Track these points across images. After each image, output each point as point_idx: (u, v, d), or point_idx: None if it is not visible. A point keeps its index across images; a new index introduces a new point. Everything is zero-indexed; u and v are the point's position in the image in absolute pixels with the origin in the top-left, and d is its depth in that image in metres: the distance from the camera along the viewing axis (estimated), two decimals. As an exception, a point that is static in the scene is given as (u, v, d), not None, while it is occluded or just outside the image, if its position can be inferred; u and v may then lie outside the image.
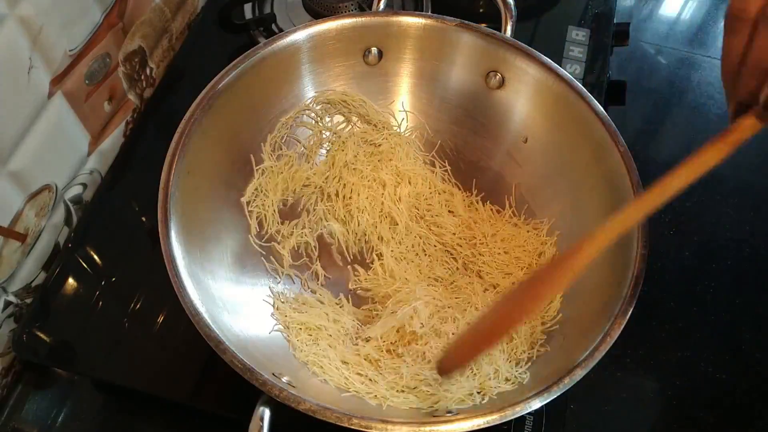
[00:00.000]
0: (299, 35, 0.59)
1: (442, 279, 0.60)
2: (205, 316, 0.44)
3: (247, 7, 0.78)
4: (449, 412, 0.45)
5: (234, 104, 0.57)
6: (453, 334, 0.53)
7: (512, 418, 0.42)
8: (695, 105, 0.88)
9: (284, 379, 0.45)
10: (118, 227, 0.65)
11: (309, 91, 0.64)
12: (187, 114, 0.53)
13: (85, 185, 0.67)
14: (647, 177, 0.78)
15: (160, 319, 0.59)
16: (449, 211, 0.64)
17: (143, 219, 0.66)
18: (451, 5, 0.81)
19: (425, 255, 0.61)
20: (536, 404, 0.43)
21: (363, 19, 0.61)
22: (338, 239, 0.61)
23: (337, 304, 0.58)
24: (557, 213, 0.61)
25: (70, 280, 0.62)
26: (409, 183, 0.64)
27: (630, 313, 0.47)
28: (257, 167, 0.61)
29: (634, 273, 0.49)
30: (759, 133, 0.83)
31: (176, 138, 0.52)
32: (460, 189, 0.65)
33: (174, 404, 0.57)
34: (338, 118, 0.66)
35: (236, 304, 0.53)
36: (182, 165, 0.51)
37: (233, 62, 0.56)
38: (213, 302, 0.48)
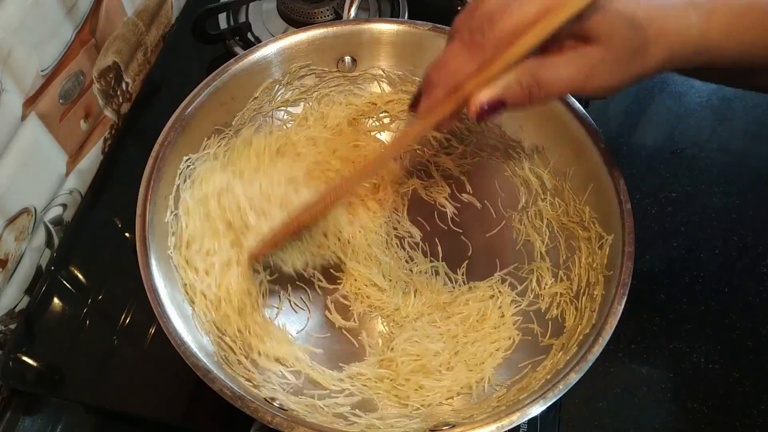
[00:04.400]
0: (270, 49, 0.59)
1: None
2: (191, 345, 0.44)
3: (222, 17, 0.77)
4: (446, 425, 0.45)
5: (207, 122, 0.57)
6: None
7: (510, 427, 0.42)
8: (676, 94, 0.88)
9: (276, 403, 0.44)
10: (101, 245, 0.65)
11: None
12: (160, 137, 0.52)
13: (65, 206, 0.66)
14: (631, 168, 0.78)
15: (151, 332, 0.59)
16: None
17: (126, 235, 0.65)
18: (428, 4, 0.81)
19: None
20: (533, 412, 0.43)
21: (334, 28, 0.61)
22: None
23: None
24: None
25: (55, 302, 0.61)
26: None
27: (620, 312, 0.47)
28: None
29: (622, 271, 0.49)
30: (744, 119, 0.84)
31: (150, 163, 0.51)
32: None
33: (167, 426, 0.56)
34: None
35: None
36: (158, 189, 0.50)
37: (204, 81, 0.55)
38: (197, 328, 0.47)
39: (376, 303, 0.57)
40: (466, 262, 0.61)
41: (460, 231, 0.63)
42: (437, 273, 0.60)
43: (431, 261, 0.61)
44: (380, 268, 0.58)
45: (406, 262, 0.61)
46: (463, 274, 0.60)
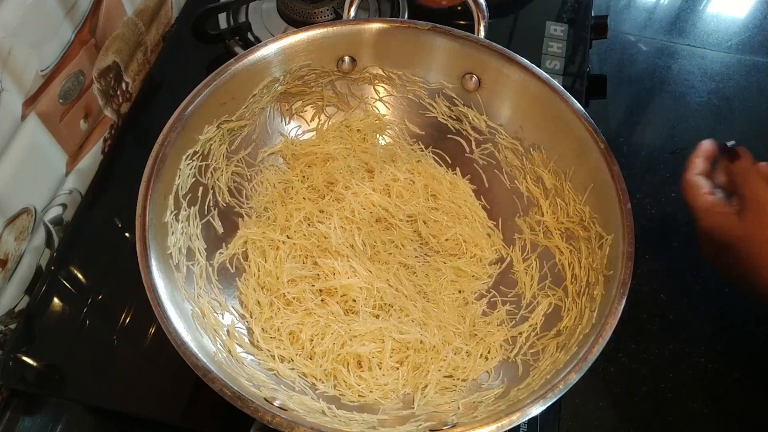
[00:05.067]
0: (270, 49, 0.59)
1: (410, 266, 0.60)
2: (191, 345, 0.44)
3: (222, 17, 0.77)
4: (446, 425, 0.45)
5: (207, 122, 0.57)
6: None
7: (510, 427, 0.42)
8: (676, 94, 0.88)
9: (276, 402, 0.44)
10: (101, 245, 0.65)
11: (283, 104, 0.64)
12: (160, 137, 0.52)
13: (64, 206, 0.66)
14: (631, 168, 0.78)
15: (150, 332, 0.59)
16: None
17: (126, 235, 0.65)
18: (428, 4, 0.81)
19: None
20: (533, 412, 0.43)
21: (334, 28, 0.61)
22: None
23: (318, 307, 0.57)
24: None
25: (55, 302, 0.61)
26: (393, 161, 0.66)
27: (620, 312, 0.47)
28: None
29: (622, 271, 0.49)
30: (744, 119, 0.84)
31: (150, 163, 0.51)
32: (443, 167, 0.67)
33: (167, 426, 0.56)
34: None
35: (221, 326, 0.52)
36: (158, 189, 0.50)
37: (204, 81, 0.55)
38: (196, 328, 0.47)
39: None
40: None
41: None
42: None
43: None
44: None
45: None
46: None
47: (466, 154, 0.66)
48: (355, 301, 0.56)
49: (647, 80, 0.90)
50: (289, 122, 0.65)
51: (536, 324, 0.55)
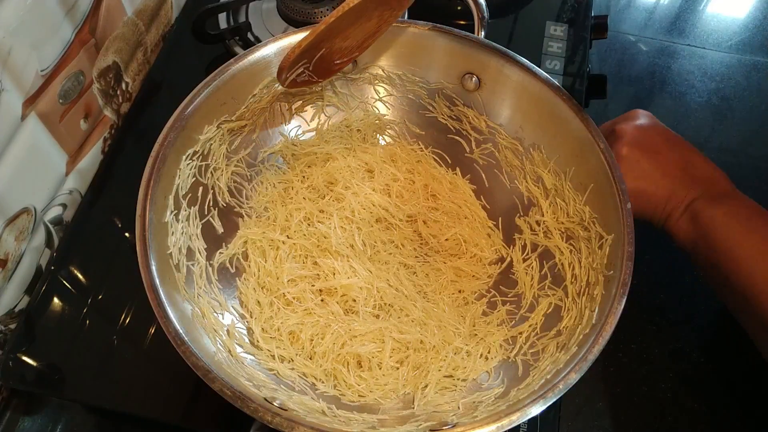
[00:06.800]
0: (269, 49, 0.59)
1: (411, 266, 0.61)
2: (191, 345, 0.44)
3: (222, 17, 0.77)
4: (446, 425, 0.45)
5: (207, 122, 0.57)
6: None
7: (510, 427, 0.42)
8: (676, 94, 0.88)
9: (276, 402, 0.44)
10: (101, 245, 0.65)
11: (283, 104, 0.64)
12: (160, 137, 0.52)
13: (64, 206, 0.66)
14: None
15: (151, 332, 0.59)
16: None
17: (126, 235, 0.65)
18: (428, 4, 0.81)
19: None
20: (533, 412, 0.43)
21: (333, 28, 0.61)
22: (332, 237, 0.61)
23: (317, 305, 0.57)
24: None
25: (55, 302, 0.61)
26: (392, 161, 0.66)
27: (620, 312, 0.47)
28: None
29: (622, 271, 0.49)
30: (744, 119, 0.84)
31: (150, 163, 0.51)
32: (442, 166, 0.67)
33: (167, 426, 0.56)
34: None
35: (221, 326, 0.52)
36: (158, 189, 0.50)
37: (204, 81, 0.55)
38: (196, 327, 0.47)
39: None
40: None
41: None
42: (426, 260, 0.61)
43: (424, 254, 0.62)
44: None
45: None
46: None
47: (466, 154, 0.66)
48: (355, 301, 0.56)
49: (647, 80, 0.90)
50: (289, 122, 0.65)
51: (536, 324, 0.55)
